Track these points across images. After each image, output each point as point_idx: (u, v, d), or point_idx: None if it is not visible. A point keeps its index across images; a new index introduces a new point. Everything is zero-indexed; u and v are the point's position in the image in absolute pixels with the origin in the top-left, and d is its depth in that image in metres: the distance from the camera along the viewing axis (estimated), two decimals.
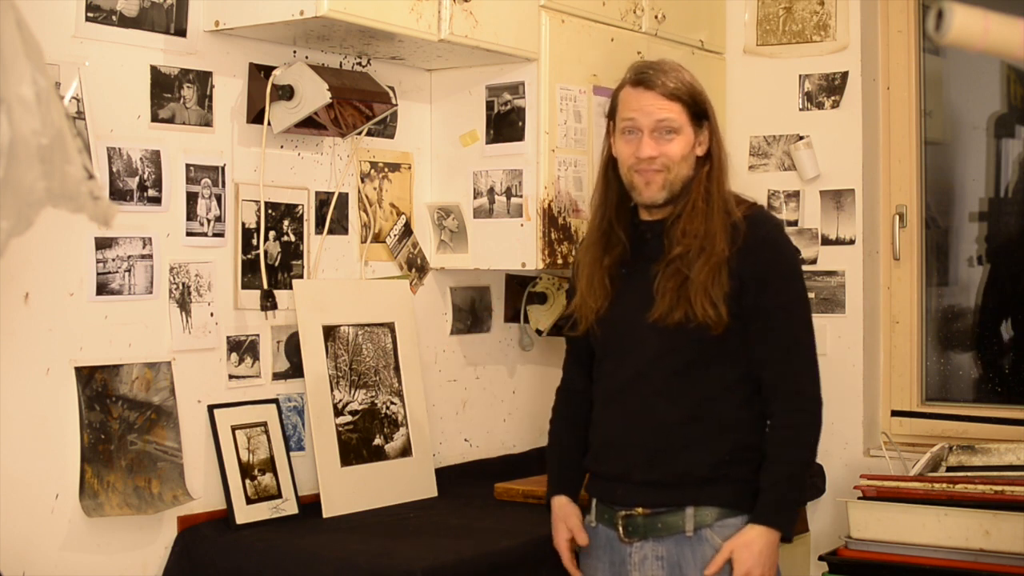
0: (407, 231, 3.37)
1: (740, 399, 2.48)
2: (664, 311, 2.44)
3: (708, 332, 2.42)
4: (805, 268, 3.83)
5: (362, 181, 3.24)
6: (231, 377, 2.93)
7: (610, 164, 2.58)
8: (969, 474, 3.24)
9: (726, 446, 2.46)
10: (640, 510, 2.48)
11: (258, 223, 2.96)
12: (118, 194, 2.68)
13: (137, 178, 2.72)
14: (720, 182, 2.52)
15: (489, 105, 3.31)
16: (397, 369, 3.22)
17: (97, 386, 2.64)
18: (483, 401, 3.62)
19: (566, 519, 2.61)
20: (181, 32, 2.81)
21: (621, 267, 2.54)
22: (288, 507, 2.93)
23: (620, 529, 2.49)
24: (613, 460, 2.52)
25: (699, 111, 2.52)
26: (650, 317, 2.45)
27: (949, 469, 3.36)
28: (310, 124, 2.99)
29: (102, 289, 2.66)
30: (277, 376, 3.03)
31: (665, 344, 2.46)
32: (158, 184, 2.76)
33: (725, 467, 2.45)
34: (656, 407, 2.48)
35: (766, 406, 2.48)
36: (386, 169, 3.32)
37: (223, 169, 2.90)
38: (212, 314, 2.88)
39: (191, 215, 2.83)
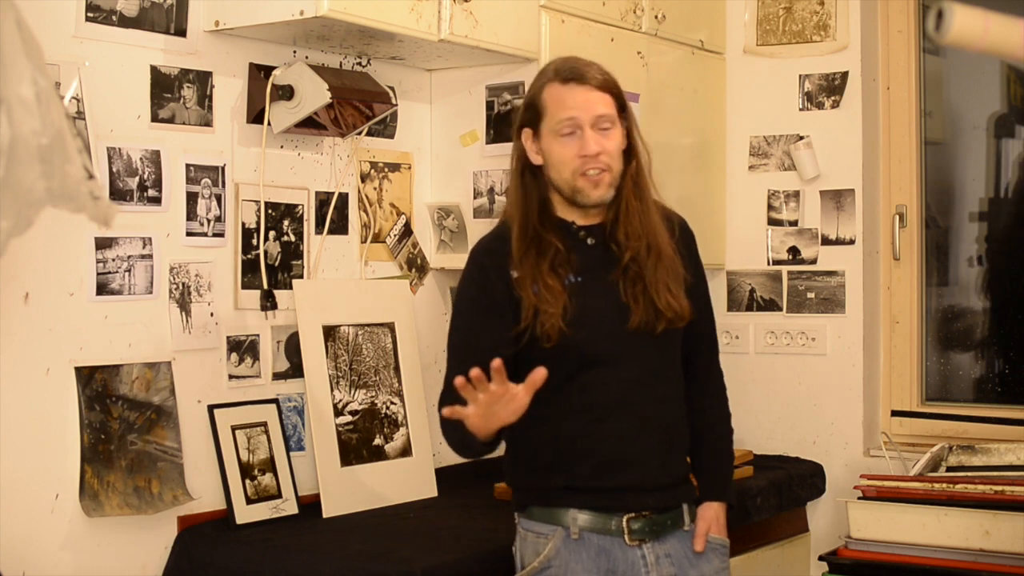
0: (407, 231, 3.37)
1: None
2: (643, 317, 2.41)
3: (679, 327, 2.45)
4: (805, 268, 3.85)
5: (362, 181, 3.24)
6: (231, 377, 2.93)
7: (526, 171, 2.46)
8: (969, 474, 3.24)
9: (688, 438, 2.55)
10: (647, 512, 2.44)
11: (258, 223, 2.96)
12: (118, 194, 2.68)
13: (137, 178, 2.73)
14: (646, 175, 2.49)
15: (489, 105, 3.31)
16: (397, 369, 3.22)
17: (97, 386, 2.64)
18: None
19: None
20: (181, 32, 2.81)
21: (573, 276, 2.42)
22: (288, 507, 2.93)
23: (626, 534, 2.42)
24: (624, 472, 2.42)
25: (622, 103, 2.46)
26: (631, 325, 2.41)
27: (949, 469, 3.36)
28: (310, 124, 2.99)
29: (102, 289, 2.66)
30: (277, 376, 3.03)
31: (656, 351, 2.45)
32: (158, 184, 2.76)
33: (686, 462, 2.55)
34: (662, 413, 2.46)
35: (691, 387, 2.55)
36: (386, 169, 3.32)
37: (223, 169, 2.90)
38: (212, 314, 2.88)
39: (191, 215, 2.83)
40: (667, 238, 2.46)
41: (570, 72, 2.42)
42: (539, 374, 2.19)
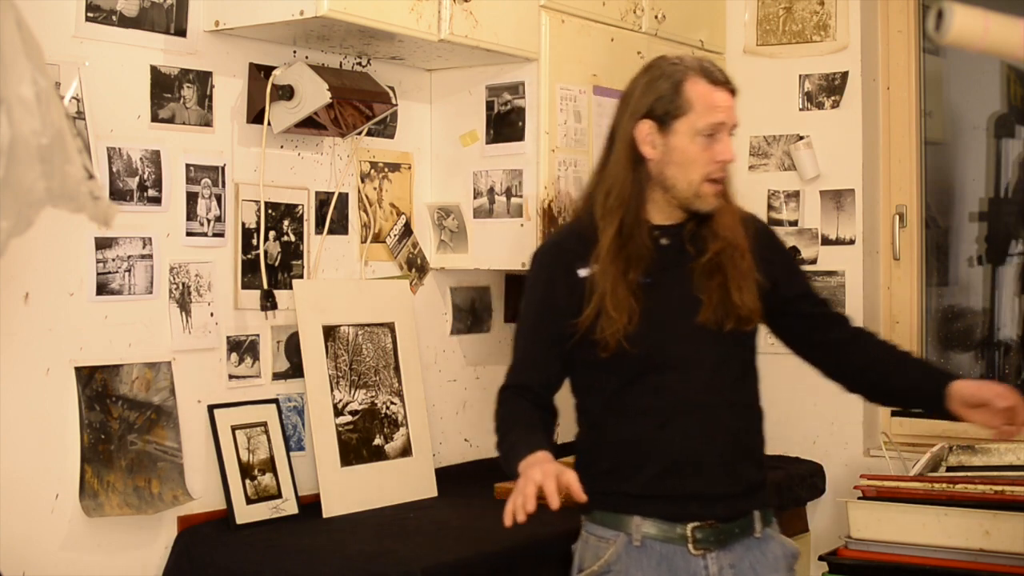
0: (407, 231, 3.37)
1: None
2: (714, 313, 2.36)
3: (751, 329, 2.42)
4: (805, 268, 3.85)
5: (362, 181, 3.24)
6: (231, 377, 2.93)
7: (637, 164, 2.39)
8: (969, 474, 3.24)
9: (764, 445, 2.50)
10: (713, 521, 2.37)
11: (258, 223, 2.96)
12: (118, 194, 2.68)
13: (137, 178, 2.73)
14: (730, 176, 2.46)
15: (489, 105, 3.31)
16: (397, 369, 3.22)
17: (97, 386, 2.64)
18: (483, 401, 3.61)
19: (561, 472, 2.20)
20: (181, 32, 2.81)
21: (643, 277, 2.37)
22: (288, 507, 2.93)
23: (690, 542, 2.36)
24: (689, 480, 2.36)
25: None
26: (700, 319, 2.36)
27: (949, 469, 3.36)
28: (310, 124, 2.99)
29: (102, 289, 2.66)
30: (277, 376, 3.03)
31: (723, 350, 2.40)
32: (158, 184, 2.76)
33: (764, 467, 2.50)
34: (728, 418, 2.40)
35: (833, 333, 2.54)
36: (386, 169, 3.32)
37: (223, 169, 2.90)
38: (212, 314, 2.88)
39: (191, 215, 2.83)
40: (747, 240, 2.43)
41: (720, 75, 2.38)
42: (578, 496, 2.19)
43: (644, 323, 2.34)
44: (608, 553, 2.40)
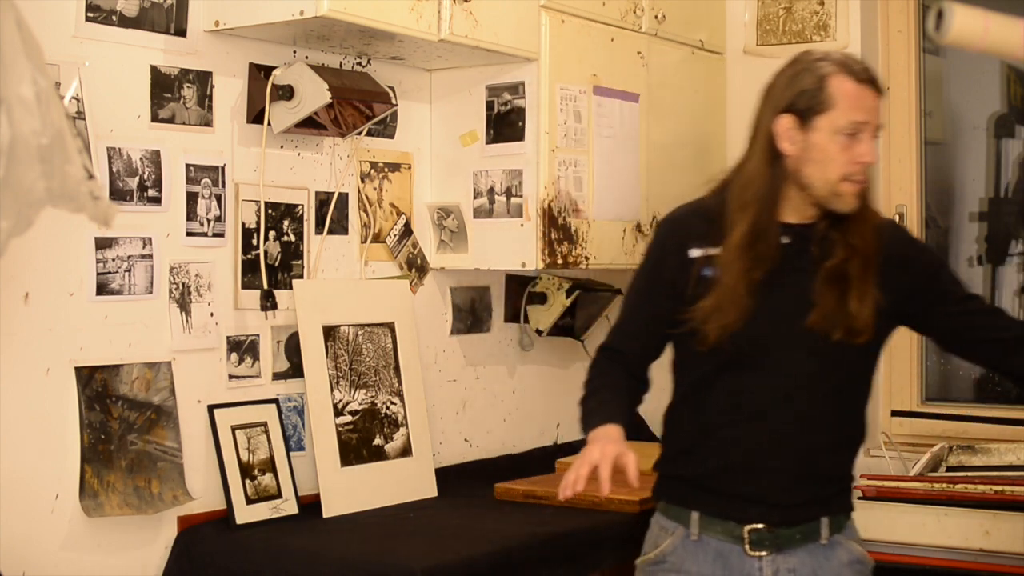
0: (407, 231, 3.37)
1: (866, 413, 2.45)
2: (824, 320, 2.29)
3: (860, 343, 2.32)
4: None
5: (362, 181, 3.24)
6: (231, 377, 2.93)
7: (775, 160, 2.32)
8: (969, 474, 3.24)
9: (854, 458, 2.45)
10: (769, 526, 2.33)
11: (258, 223, 2.96)
12: (118, 194, 2.68)
13: (137, 178, 2.73)
14: (872, 183, 2.38)
15: (489, 105, 3.31)
16: (397, 369, 3.22)
17: (97, 386, 2.64)
18: (483, 401, 3.62)
19: (621, 453, 2.19)
20: (181, 32, 2.81)
21: (759, 273, 2.31)
22: (288, 507, 2.93)
23: (746, 543, 2.33)
24: (749, 482, 2.33)
25: None
26: (808, 323, 2.29)
27: (949, 469, 3.36)
28: (310, 124, 2.99)
29: (102, 289, 2.66)
30: (277, 376, 3.03)
31: (825, 362, 2.32)
32: (158, 184, 2.76)
33: (850, 476, 2.45)
34: (804, 432, 2.33)
35: (997, 326, 2.43)
36: (386, 169, 3.32)
37: (223, 169, 2.90)
38: (212, 314, 2.88)
39: (191, 215, 2.83)
40: (878, 253, 2.34)
41: (865, 73, 2.28)
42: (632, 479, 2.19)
43: (749, 321, 2.29)
44: (665, 543, 2.40)
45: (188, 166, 2.82)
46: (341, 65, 3.15)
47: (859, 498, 3.14)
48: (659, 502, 2.46)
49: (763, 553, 2.33)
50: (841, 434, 2.40)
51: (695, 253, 2.36)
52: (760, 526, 2.33)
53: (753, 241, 2.30)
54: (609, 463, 2.17)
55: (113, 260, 2.68)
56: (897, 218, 3.85)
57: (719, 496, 2.35)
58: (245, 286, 2.94)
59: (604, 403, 2.37)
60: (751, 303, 2.28)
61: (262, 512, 2.87)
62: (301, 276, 3.07)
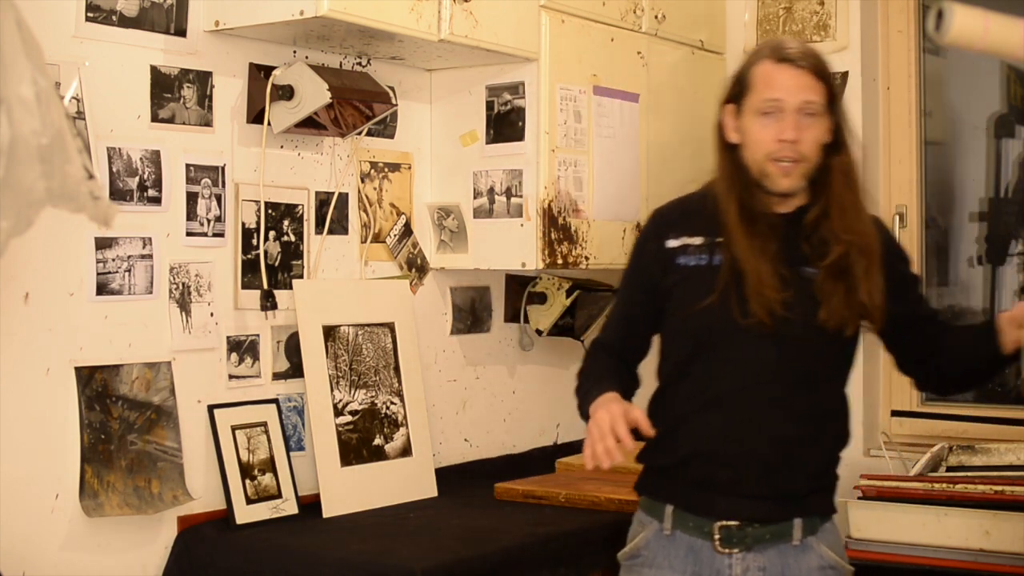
0: (407, 231, 3.37)
1: (848, 408, 2.46)
2: (833, 316, 2.30)
3: (842, 336, 2.34)
4: None
5: (362, 181, 3.24)
6: (231, 377, 2.93)
7: (725, 152, 2.38)
8: (969, 474, 3.24)
9: (834, 457, 2.45)
10: (739, 522, 2.34)
11: (258, 223, 2.96)
12: (118, 194, 2.68)
13: (137, 178, 2.73)
14: (858, 171, 2.38)
15: (489, 105, 3.31)
16: (397, 369, 3.22)
17: (97, 386, 2.64)
18: (483, 401, 3.62)
19: (628, 409, 2.23)
20: (181, 32, 2.81)
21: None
22: (288, 507, 2.93)
23: (716, 540, 2.34)
24: (717, 470, 2.34)
25: (833, 95, 2.35)
26: (821, 321, 2.30)
27: (949, 469, 3.35)
28: (310, 124, 2.99)
29: (102, 289, 2.66)
30: (277, 376, 3.03)
31: (792, 348, 2.32)
32: (158, 184, 2.76)
33: (829, 477, 2.45)
34: (779, 421, 2.33)
35: (937, 339, 2.47)
36: (386, 169, 3.32)
37: (223, 169, 2.90)
38: (212, 314, 2.88)
39: (191, 215, 2.83)
40: (877, 242, 2.35)
41: (785, 52, 2.31)
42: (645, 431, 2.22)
43: (721, 308, 2.31)
44: (639, 538, 2.43)
45: (188, 166, 2.82)
46: (341, 65, 3.15)
47: (859, 498, 3.14)
48: (640, 496, 2.50)
49: (733, 550, 2.34)
50: (817, 428, 2.39)
51: (672, 243, 2.40)
52: (731, 523, 2.34)
53: (750, 218, 2.33)
54: (622, 421, 2.19)
55: (113, 260, 2.68)
56: (897, 218, 3.85)
57: (691, 486, 2.37)
58: (245, 286, 2.94)
59: (600, 381, 2.38)
60: (776, 272, 2.29)
61: (262, 512, 2.87)
62: (301, 276, 3.07)
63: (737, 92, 2.36)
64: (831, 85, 2.34)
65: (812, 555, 2.38)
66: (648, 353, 2.54)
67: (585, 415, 2.32)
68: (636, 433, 2.24)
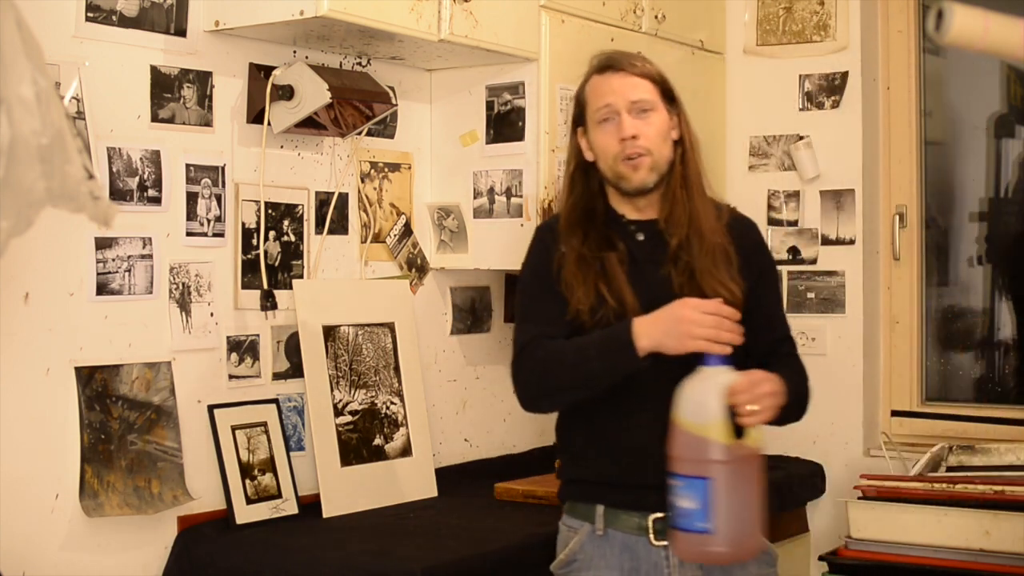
0: (407, 231, 3.37)
1: None
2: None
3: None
4: (805, 268, 3.85)
5: (362, 181, 3.25)
6: (231, 377, 2.93)
7: (578, 169, 2.50)
8: (969, 474, 3.24)
9: None
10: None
11: (258, 223, 2.96)
12: (118, 194, 2.68)
13: (137, 178, 2.73)
14: (694, 164, 2.47)
15: (489, 105, 3.31)
16: (397, 369, 3.22)
17: (97, 386, 2.64)
18: (483, 401, 3.62)
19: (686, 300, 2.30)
20: (181, 32, 2.81)
21: (618, 264, 2.41)
22: (288, 507, 2.93)
23: (651, 533, 2.37)
24: (647, 467, 2.34)
25: (668, 92, 2.47)
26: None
27: (949, 469, 3.36)
28: (310, 124, 2.99)
29: (102, 289, 2.66)
30: (277, 376, 3.03)
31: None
32: (158, 184, 2.76)
33: None
34: None
35: (769, 359, 2.43)
36: (386, 169, 3.32)
37: (223, 169, 2.90)
38: (212, 314, 2.88)
39: (191, 215, 2.83)
40: (713, 224, 2.42)
41: (607, 61, 2.46)
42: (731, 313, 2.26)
43: (619, 312, 2.36)
44: (572, 542, 2.44)
45: (188, 166, 2.82)
46: (341, 65, 3.15)
47: (859, 498, 3.14)
48: (565, 503, 2.50)
49: (668, 542, 2.36)
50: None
51: (563, 248, 2.46)
52: (663, 515, 2.34)
53: (574, 222, 2.45)
54: (704, 305, 2.27)
55: (113, 260, 2.68)
56: (897, 218, 3.85)
57: (622, 489, 2.40)
58: (245, 286, 2.94)
59: (594, 336, 2.36)
60: (597, 280, 2.38)
61: (262, 512, 2.87)
62: (301, 276, 3.07)
63: (579, 113, 2.49)
64: (662, 83, 2.46)
65: None
66: None
67: (626, 347, 2.29)
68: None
